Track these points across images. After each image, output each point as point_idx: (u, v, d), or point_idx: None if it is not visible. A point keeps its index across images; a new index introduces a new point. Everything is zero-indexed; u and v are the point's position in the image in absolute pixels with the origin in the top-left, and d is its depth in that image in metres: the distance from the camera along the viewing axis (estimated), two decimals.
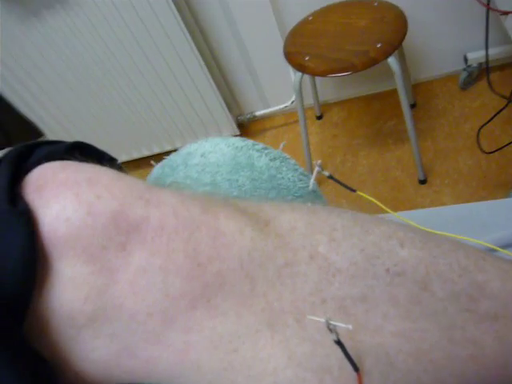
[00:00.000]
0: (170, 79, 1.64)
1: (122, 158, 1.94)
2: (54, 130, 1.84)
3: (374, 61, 1.18)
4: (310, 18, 1.39)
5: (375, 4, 1.32)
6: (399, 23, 1.24)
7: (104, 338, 0.26)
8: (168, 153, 0.45)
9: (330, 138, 1.77)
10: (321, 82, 1.76)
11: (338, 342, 0.24)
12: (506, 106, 1.21)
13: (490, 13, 1.15)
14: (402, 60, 1.53)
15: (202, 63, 1.59)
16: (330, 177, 0.35)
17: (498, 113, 1.21)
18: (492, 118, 1.23)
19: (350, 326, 0.23)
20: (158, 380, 0.28)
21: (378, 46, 1.19)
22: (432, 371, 0.27)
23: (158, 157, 0.53)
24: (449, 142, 1.58)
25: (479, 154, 1.44)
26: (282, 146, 0.42)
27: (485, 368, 0.28)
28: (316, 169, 0.34)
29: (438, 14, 1.53)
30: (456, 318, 0.27)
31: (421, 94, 1.74)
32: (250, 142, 0.41)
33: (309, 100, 1.77)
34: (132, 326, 0.26)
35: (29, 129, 1.62)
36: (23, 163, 0.29)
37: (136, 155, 1.95)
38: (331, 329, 0.24)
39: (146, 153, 1.93)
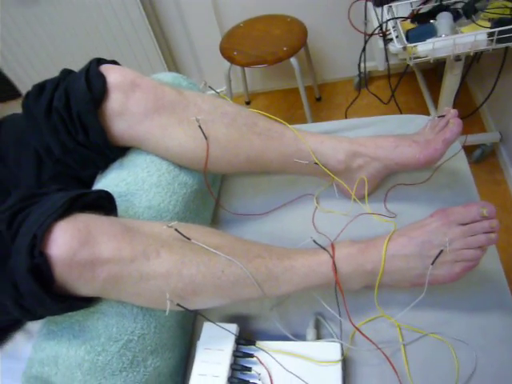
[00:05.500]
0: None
1: None
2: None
3: (280, 59, 1.69)
4: (241, 25, 1.88)
5: (288, 19, 1.84)
6: (301, 35, 1.76)
7: (122, 124, 0.74)
8: None
9: None
10: (251, 75, 2.26)
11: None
12: (357, 98, 1.86)
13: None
14: (309, 63, 2.06)
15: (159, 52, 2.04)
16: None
17: (355, 100, 1.82)
18: (352, 102, 1.82)
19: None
20: (142, 141, 0.76)
21: (284, 49, 1.70)
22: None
23: None
24: None
25: None
26: (202, 84, 0.88)
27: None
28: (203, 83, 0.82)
29: (337, 34, 2.06)
30: (249, 122, 0.77)
31: (326, 91, 2.28)
32: (181, 75, 0.89)
33: (240, 89, 2.26)
34: (137, 119, 0.74)
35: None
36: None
37: None
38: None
39: None
